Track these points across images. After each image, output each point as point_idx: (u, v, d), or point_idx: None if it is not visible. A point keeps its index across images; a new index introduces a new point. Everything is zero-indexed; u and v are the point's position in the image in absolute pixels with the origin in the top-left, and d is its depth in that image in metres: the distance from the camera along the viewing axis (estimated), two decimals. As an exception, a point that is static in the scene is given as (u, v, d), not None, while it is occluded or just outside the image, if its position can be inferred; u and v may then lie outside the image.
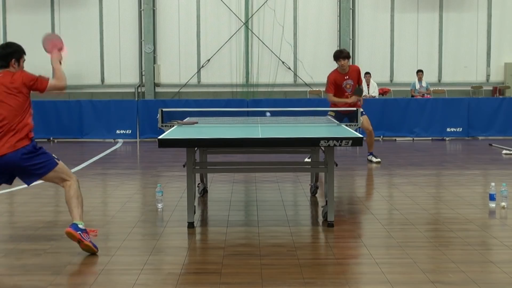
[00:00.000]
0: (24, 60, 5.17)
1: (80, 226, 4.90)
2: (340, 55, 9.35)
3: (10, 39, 18.45)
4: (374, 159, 10.26)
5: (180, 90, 18.73)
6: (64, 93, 5.15)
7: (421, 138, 14.57)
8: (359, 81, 9.71)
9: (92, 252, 4.90)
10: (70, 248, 5.03)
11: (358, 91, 9.51)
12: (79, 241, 4.87)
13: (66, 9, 18.52)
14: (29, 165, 4.87)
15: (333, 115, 9.29)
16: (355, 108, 9.18)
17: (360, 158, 11.20)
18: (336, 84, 9.51)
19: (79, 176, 9.16)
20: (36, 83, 5.00)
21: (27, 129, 4.91)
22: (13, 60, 5.04)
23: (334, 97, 9.51)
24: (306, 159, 9.64)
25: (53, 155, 5.07)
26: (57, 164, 4.99)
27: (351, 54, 18.36)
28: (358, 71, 9.65)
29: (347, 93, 9.57)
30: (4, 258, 4.88)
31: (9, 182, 5.11)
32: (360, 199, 7.21)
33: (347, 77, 9.50)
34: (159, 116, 7.31)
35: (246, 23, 18.47)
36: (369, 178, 8.79)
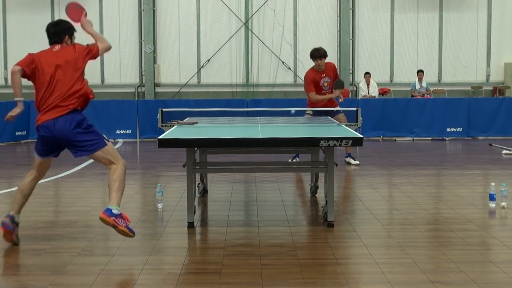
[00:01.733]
0: (75, 37, 5.35)
1: (115, 211, 4.85)
2: (317, 54, 9.28)
3: (10, 39, 18.50)
4: (352, 161, 10.12)
5: (180, 90, 18.73)
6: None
7: (421, 138, 14.57)
8: (336, 77, 9.63)
9: (128, 236, 4.90)
10: (70, 248, 5.03)
11: (339, 83, 9.40)
12: (114, 226, 4.84)
13: (66, 9, 18.51)
14: (76, 140, 4.95)
15: (311, 113, 9.32)
16: (334, 109, 9.31)
17: (360, 158, 11.20)
18: (314, 82, 9.48)
19: (79, 176, 9.21)
20: (91, 51, 5.19)
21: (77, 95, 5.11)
22: (66, 36, 5.24)
23: (316, 95, 9.47)
24: (290, 161, 9.66)
25: (104, 135, 5.15)
26: (105, 144, 5.04)
27: (351, 54, 18.46)
28: (334, 68, 9.57)
29: (324, 91, 9.49)
30: (4, 258, 4.88)
31: (56, 154, 5.22)
32: (360, 199, 7.20)
33: (324, 75, 9.43)
34: (159, 116, 7.31)
35: (246, 23, 18.47)
36: (369, 178, 8.79)
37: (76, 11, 5.49)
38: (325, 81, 9.45)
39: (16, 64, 5.01)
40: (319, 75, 9.44)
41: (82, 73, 5.16)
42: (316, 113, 9.33)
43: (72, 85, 5.04)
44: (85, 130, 5.02)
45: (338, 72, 9.84)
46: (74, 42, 5.28)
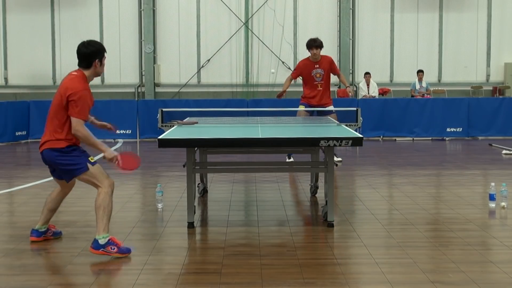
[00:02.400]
0: (105, 58, 5.11)
1: (101, 241, 4.79)
2: (313, 44, 9.39)
3: (10, 39, 18.49)
4: (335, 158, 10.18)
5: (180, 90, 18.73)
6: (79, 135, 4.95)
7: (421, 138, 14.57)
8: (335, 71, 9.70)
9: (124, 256, 4.85)
10: (70, 248, 5.04)
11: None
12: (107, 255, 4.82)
13: (66, 9, 18.52)
14: (59, 165, 4.98)
15: (304, 108, 9.42)
16: (326, 108, 9.39)
17: (360, 158, 11.20)
18: (304, 71, 9.53)
19: (79, 176, 9.20)
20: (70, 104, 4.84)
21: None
22: (96, 60, 4.99)
23: (286, 80, 9.65)
24: (288, 160, 9.71)
25: (90, 158, 4.99)
26: (87, 169, 4.92)
27: (351, 54, 18.45)
28: (330, 61, 9.64)
29: (316, 82, 9.57)
30: (4, 258, 4.88)
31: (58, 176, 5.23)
32: (360, 199, 7.21)
33: (317, 65, 9.50)
34: (159, 116, 7.32)
35: (246, 23, 18.47)
36: (369, 178, 8.79)
37: (132, 162, 5.26)
38: (318, 72, 9.51)
39: None
40: (312, 65, 9.50)
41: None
42: (309, 108, 9.39)
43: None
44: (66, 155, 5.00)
45: (338, 66, 9.89)
46: (104, 64, 5.12)
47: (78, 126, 4.84)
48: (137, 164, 5.18)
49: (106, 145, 5.00)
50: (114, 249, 4.80)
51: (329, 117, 8.82)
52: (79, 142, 5.00)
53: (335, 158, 10.19)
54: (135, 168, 5.17)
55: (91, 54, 4.97)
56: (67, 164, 4.94)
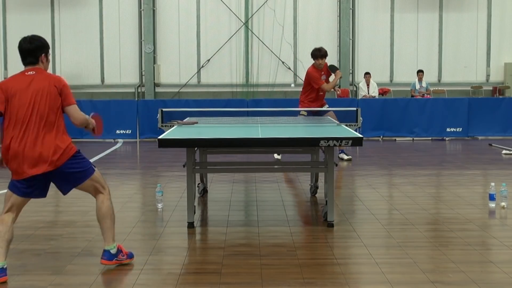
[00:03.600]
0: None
1: (113, 251, 4.59)
2: (319, 53, 9.71)
3: (10, 39, 18.48)
4: (345, 157, 10.61)
5: (180, 90, 18.73)
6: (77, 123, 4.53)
7: (421, 138, 14.57)
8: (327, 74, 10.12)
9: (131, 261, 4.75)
10: (70, 248, 5.03)
11: (333, 67, 9.91)
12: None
13: (66, 9, 18.52)
14: (73, 173, 4.45)
15: (305, 114, 9.62)
16: (324, 108, 9.62)
17: (360, 158, 11.20)
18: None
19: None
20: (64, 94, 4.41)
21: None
22: (42, 55, 4.48)
23: (327, 84, 9.89)
24: (276, 156, 10.09)
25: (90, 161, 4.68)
26: (93, 171, 4.56)
27: (351, 54, 18.45)
28: (326, 66, 10.00)
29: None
30: (4, 258, 4.88)
31: (44, 194, 4.56)
32: (360, 199, 7.21)
33: (322, 72, 9.92)
34: (159, 116, 7.31)
35: (246, 23, 18.47)
36: (369, 178, 8.79)
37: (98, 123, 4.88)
38: (323, 78, 9.93)
39: None
40: (319, 72, 9.88)
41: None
42: (310, 113, 9.65)
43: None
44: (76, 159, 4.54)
45: (338, 66, 10.23)
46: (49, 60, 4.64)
47: (78, 112, 4.45)
48: (101, 126, 4.80)
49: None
50: (124, 256, 4.67)
51: (329, 117, 8.86)
52: None
53: (345, 157, 10.56)
54: (101, 131, 4.80)
55: (37, 48, 4.45)
56: (79, 172, 4.46)
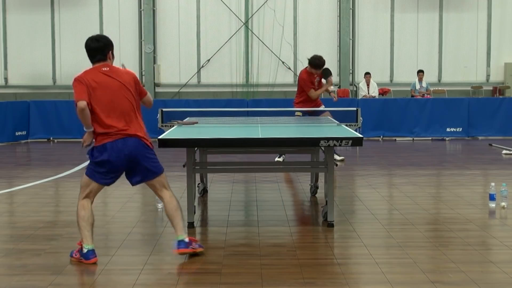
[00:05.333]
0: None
1: (186, 239, 4.79)
2: (319, 62, 9.61)
3: (10, 39, 18.48)
4: (337, 157, 10.38)
5: (180, 90, 18.73)
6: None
7: (421, 138, 14.56)
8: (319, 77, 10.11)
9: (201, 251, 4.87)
10: (70, 248, 5.03)
11: (327, 72, 9.83)
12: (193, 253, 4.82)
13: (66, 9, 18.52)
14: (149, 160, 4.84)
15: (300, 115, 9.60)
16: (320, 108, 9.62)
17: (360, 158, 11.20)
18: (311, 82, 9.89)
19: (79, 176, 9.17)
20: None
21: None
22: (110, 52, 5.11)
23: (315, 91, 9.86)
24: (277, 159, 9.84)
25: None
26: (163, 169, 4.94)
27: (351, 54, 18.45)
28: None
29: (316, 89, 9.95)
30: (4, 258, 4.88)
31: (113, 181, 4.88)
32: (360, 199, 7.21)
33: (316, 76, 9.90)
34: (159, 116, 7.32)
35: (246, 23, 18.47)
36: (369, 178, 8.79)
37: None
38: (317, 81, 9.92)
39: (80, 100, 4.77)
40: (312, 76, 9.86)
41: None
42: (305, 114, 9.64)
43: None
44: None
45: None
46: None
47: (151, 98, 5.14)
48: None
49: None
50: (196, 244, 4.85)
51: (328, 117, 8.86)
52: None
53: (337, 157, 10.38)
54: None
55: (105, 45, 5.15)
56: (154, 162, 4.87)
